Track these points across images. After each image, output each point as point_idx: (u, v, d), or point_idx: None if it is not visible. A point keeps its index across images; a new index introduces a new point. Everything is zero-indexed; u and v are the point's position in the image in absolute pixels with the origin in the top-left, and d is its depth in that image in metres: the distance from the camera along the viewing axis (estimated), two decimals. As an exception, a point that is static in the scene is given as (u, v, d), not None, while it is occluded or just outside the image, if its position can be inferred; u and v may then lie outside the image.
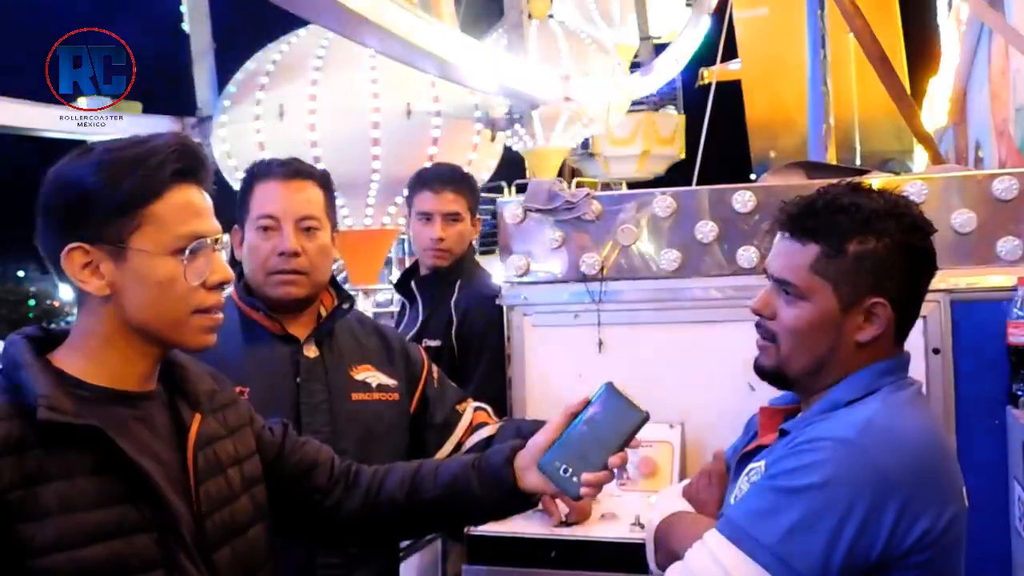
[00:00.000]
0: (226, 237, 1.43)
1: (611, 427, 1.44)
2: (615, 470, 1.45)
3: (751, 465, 1.53)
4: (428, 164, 3.53)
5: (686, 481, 1.73)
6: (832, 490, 1.31)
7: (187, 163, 1.31)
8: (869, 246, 1.44)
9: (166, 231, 1.27)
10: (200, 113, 9.63)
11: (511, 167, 12.84)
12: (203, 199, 1.34)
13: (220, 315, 1.35)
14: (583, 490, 1.44)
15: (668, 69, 14.44)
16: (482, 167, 9.63)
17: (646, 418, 1.44)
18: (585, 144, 16.37)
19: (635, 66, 15.72)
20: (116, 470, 1.21)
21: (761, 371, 1.57)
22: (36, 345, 1.28)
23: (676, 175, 17.38)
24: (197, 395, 1.40)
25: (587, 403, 1.47)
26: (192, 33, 9.90)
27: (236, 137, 8.64)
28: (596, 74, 12.30)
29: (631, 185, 17.08)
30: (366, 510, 1.58)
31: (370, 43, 7.07)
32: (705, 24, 14.54)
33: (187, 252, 1.28)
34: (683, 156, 17.90)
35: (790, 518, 1.31)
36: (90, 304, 1.29)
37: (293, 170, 2.05)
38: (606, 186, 16.60)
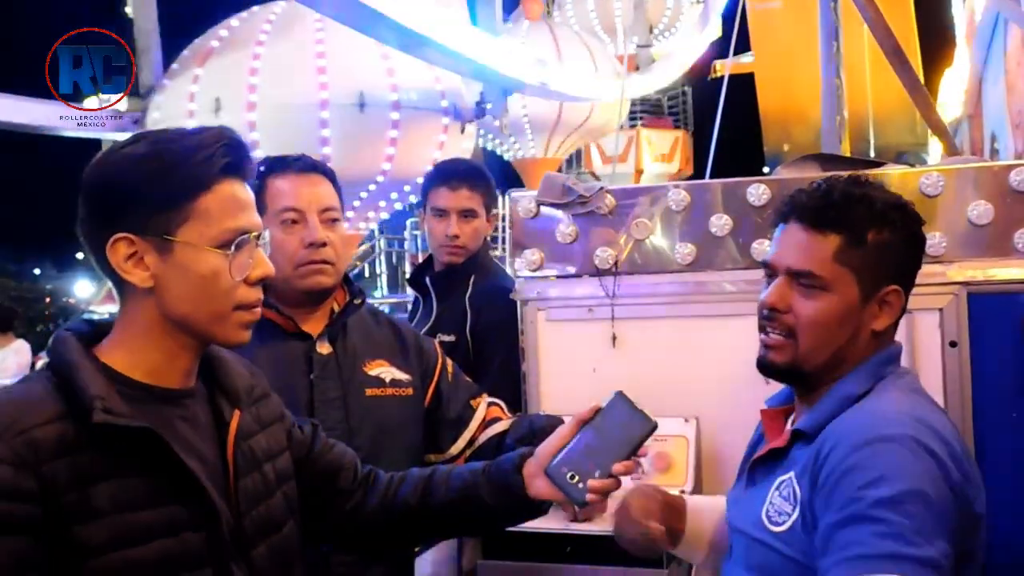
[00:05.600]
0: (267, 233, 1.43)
1: (619, 435, 1.45)
2: (621, 476, 1.46)
3: (780, 478, 1.47)
4: (386, 163, 3.44)
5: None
6: (924, 490, 1.27)
7: (235, 157, 1.31)
8: (885, 236, 1.47)
9: (213, 225, 1.28)
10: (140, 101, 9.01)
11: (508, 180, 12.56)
12: (247, 193, 1.34)
13: (259, 311, 1.35)
14: (589, 497, 1.45)
15: (668, 72, 14.10)
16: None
17: (654, 427, 1.45)
18: (574, 161, 15.70)
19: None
20: (165, 470, 1.22)
21: (771, 368, 1.54)
22: (83, 341, 1.29)
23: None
24: (237, 390, 1.41)
25: (597, 411, 1.48)
26: (136, 16, 9.31)
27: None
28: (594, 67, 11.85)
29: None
30: (382, 514, 1.59)
31: (324, 9, 6.33)
32: (713, 29, 14.33)
33: (232, 247, 1.29)
34: (689, 172, 17.04)
35: (903, 527, 1.24)
36: (132, 296, 1.30)
37: (308, 164, 2.07)
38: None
